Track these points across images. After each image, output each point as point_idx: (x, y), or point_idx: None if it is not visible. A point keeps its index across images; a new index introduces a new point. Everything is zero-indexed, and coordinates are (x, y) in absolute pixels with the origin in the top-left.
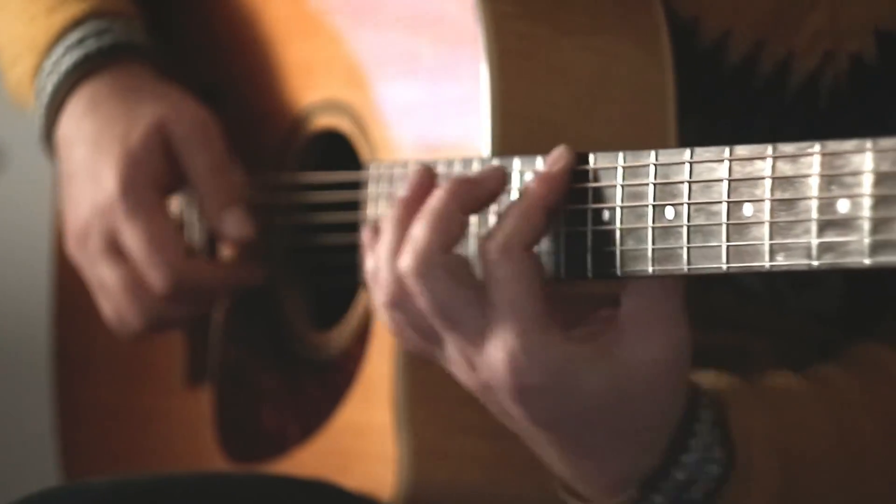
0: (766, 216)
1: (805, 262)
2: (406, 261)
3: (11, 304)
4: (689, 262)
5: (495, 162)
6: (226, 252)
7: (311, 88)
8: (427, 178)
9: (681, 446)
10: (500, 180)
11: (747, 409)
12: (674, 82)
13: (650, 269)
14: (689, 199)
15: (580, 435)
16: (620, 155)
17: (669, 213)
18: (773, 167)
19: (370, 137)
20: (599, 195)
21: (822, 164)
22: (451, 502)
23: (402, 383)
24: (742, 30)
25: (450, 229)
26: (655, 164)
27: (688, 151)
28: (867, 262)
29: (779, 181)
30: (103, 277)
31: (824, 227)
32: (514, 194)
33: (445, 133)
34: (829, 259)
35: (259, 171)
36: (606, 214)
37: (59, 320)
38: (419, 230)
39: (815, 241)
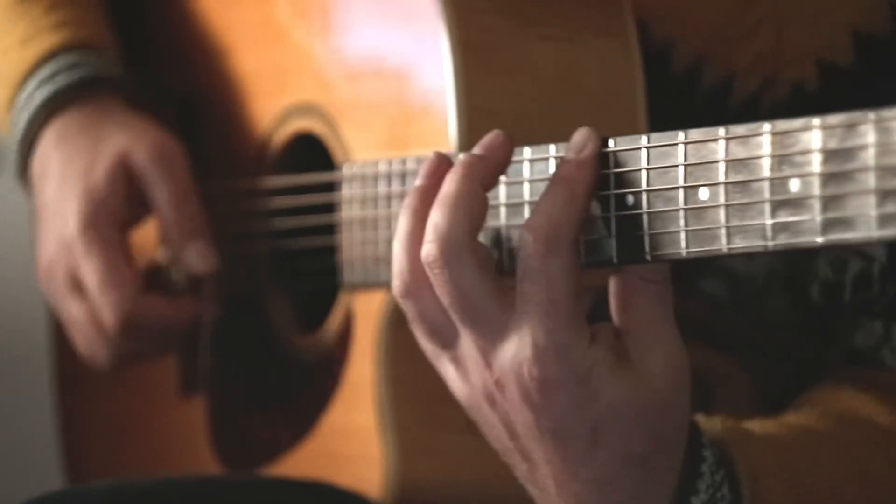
0: (722, 199)
1: (761, 243)
2: (430, 249)
3: (11, 303)
4: (651, 250)
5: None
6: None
7: (284, 92)
8: (442, 165)
9: (690, 488)
10: (507, 148)
11: (750, 447)
12: (642, 71)
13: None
14: (648, 185)
15: (587, 451)
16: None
17: (629, 199)
18: (727, 150)
19: (342, 138)
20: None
21: (773, 144)
22: (440, 500)
23: (384, 384)
24: (684, 42)
25: (473, 211)
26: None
27: (644, 137)
28: (819, 240)
29: (732, 163)
30: (71, 313)
31: (777, 207)
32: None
33: (413, 130)
34: (783, 239)
35: (240, 177)
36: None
37: (59, 335)
38: (441, 216)
39: (769, 222)
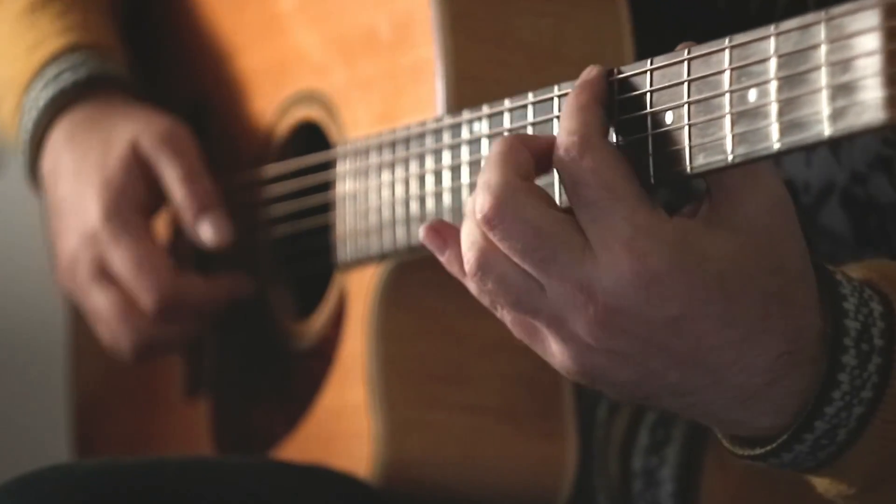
0: (686, 119)
1: (721, 157)
2: (482, 203)
3: (10, 302)
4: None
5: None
6: (218, 266)
7: (286, 84)
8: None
9: (837, 297)
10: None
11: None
12: (632, 42)
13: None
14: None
15: (729, 314)
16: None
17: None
18: (689, 69)
19: (338, 120)
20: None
21: (732, 57)
22: (428, 477)
23: (375, 359)
24: None
25: (519, 162)
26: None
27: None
28: (776, 146)
29: (695, 83)
30: (96, 304)
31: (737, 119)
32: (465, 149)
33: (404, 101)
34: (742, 150)
35: (245, 172)
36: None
37: (75, 337)
38: (489, 173)
39: (729, 136)
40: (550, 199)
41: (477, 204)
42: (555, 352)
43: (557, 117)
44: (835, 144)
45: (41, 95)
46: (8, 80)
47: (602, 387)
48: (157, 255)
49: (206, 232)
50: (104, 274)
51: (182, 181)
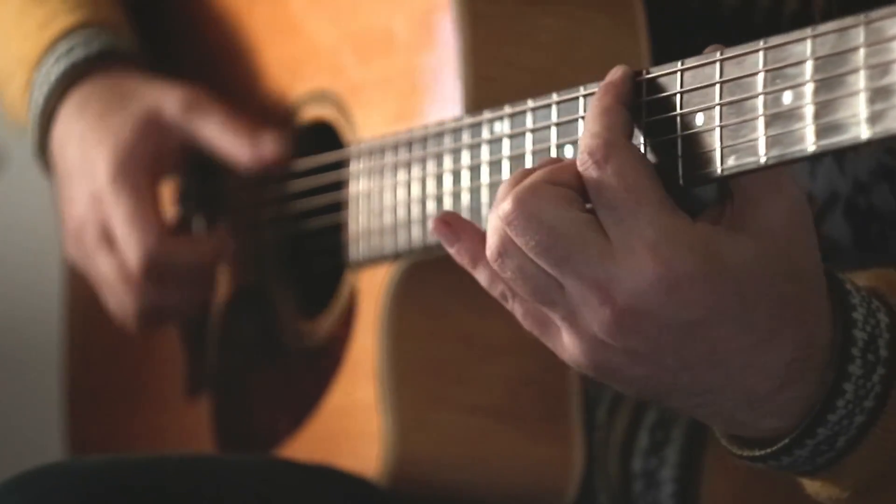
0: (717, 121)
1: (753, 159)
2: (508, 200)
3: (11, 302)
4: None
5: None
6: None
7: (297, 83)
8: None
9: (847, 307)
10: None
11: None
12: (648, 47)
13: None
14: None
15: (745, 320)
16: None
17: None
18: (721, 71)
19: (352, 120)
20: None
21: (767, 60)
22: (436, 477)
23: (386, 356)
24: None
25: (559, 173)
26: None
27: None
28: (811, 148)
29: (727, 84)
30: (100, 269)
31: (771, 121)
32: (485, 149)
33: (421, 101)
34: (776, 152)
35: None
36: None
37: (69, 342)
38: (519, 173)
39: (762, 138)
40: (576, 202)
41: (503, 204)
42: (566, 345)
43: (582, 118)
44: (840, 154)
45: (53, 70)
46: (18, 57)
47: (611, 382)
48: (150, 214)
49: (269, 145)
50: (108, 238)
51: (224, 127)
